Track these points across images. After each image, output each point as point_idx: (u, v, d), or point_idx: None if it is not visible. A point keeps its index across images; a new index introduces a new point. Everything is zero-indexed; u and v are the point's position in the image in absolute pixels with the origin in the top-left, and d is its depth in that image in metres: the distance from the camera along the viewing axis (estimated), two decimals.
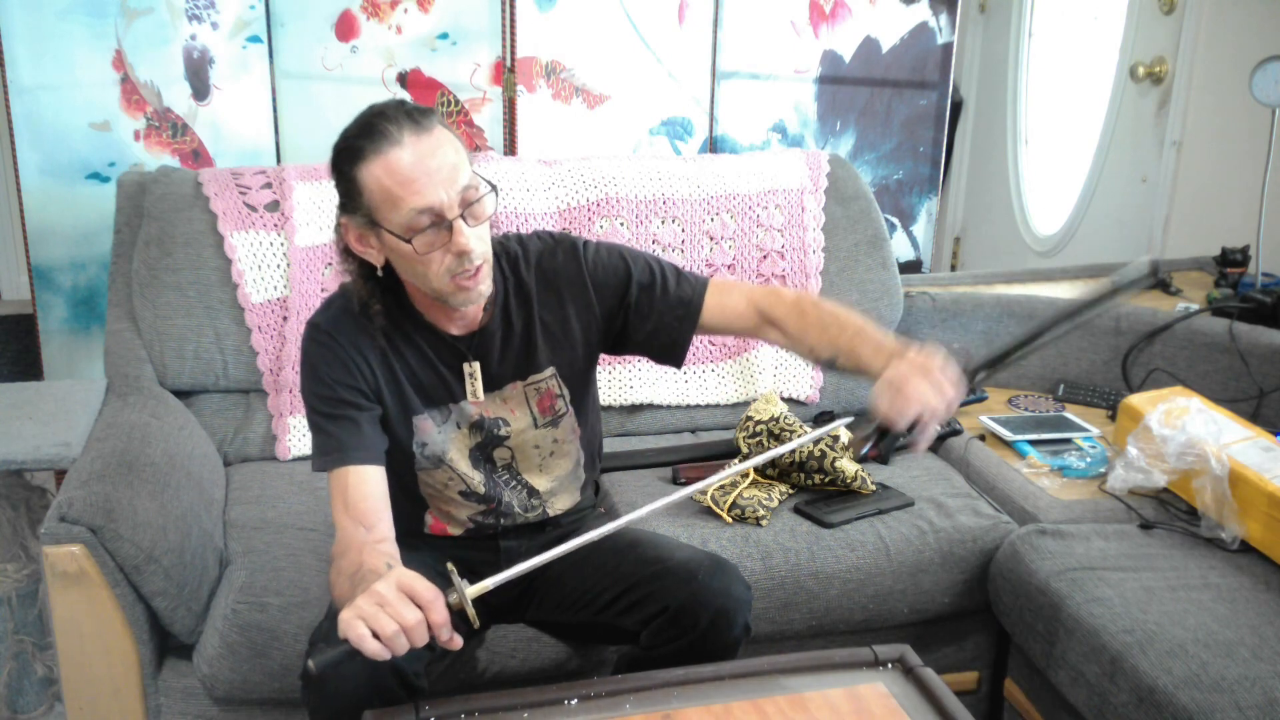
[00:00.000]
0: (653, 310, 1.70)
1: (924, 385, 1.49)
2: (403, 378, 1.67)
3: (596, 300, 1.71)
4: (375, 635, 1.30)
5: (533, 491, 1.80)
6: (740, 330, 1.75)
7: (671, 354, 1.75)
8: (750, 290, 1.73)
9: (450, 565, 1.40)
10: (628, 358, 2.44)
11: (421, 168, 1.48)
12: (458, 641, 1.36)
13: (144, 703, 1.87)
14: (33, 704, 2.24)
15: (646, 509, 1.45)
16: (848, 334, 1.63)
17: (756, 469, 2.23)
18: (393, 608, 1.31)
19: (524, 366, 1.72)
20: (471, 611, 1.35)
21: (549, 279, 1.71)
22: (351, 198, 1.53)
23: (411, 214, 1.48)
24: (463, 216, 1.50)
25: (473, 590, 1.36)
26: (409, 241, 1.50)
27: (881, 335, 1.62)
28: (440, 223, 1.50)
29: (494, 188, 1.55)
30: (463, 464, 1.74)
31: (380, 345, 1.65)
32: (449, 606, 1.34)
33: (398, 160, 1.48)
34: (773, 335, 1.70)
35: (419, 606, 1.32)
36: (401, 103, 1.53)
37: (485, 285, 1.58)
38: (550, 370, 1.73)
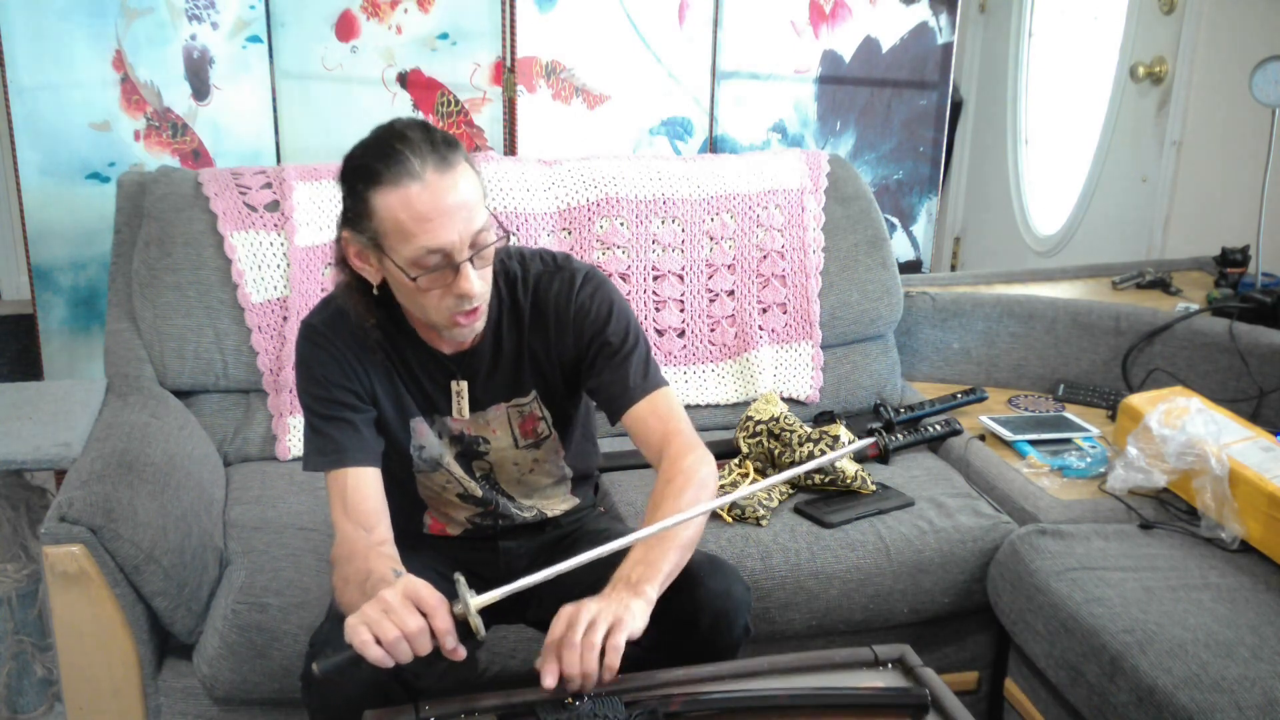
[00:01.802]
0: (600, 372, 1.67)
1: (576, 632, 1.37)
2: (399, 382, 1.67)
3: (572, 336, 1.69)
4: (379, 642, 1.29)
5: (510, 497, 1.80)
6: (641, 448, 1.67)
7: (607, 414, 1.71)
8: (675, 431, 1.64)
9: (458, 575, 1.39)
10: None
11: (439, 208, 1.45)
12: (462, 652, 1.35)
13: (144, 703, 1.87)
14: (33, 704, 2.24)
15: (670, 521, 1.44)
16: (654, 518, 1.53)
17: (757, 469, 2.23)
18: (396, 614, 1.30)
19: (509, 389, 1.71)
20: (476, 621, 1.34)
21: (540, 304, 1.69)
22: (360, 216, 1.50)
23: (421, 252, 1.46)
24: (470, 259, 1.49)
25: (478, 601, 1.35)
26: (413, 279, 1.48)
27: (651, 559, 1.48)
28: (448, 263, 1.48)
29: (508, 234, 1.54)
30: (457, 469, 1.74)
31: (375, 350, 1.64)
32: (454, 616, 1.34)
33: (416, 196, 1.44)
34: (652, 459, 1.65)
35: (423, 614, 1.32)
36: (426, 128, 1.49)
37: (480, 323, 1.58)
38: (533, 394, 1.72)
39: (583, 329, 1.68)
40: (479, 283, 1.51)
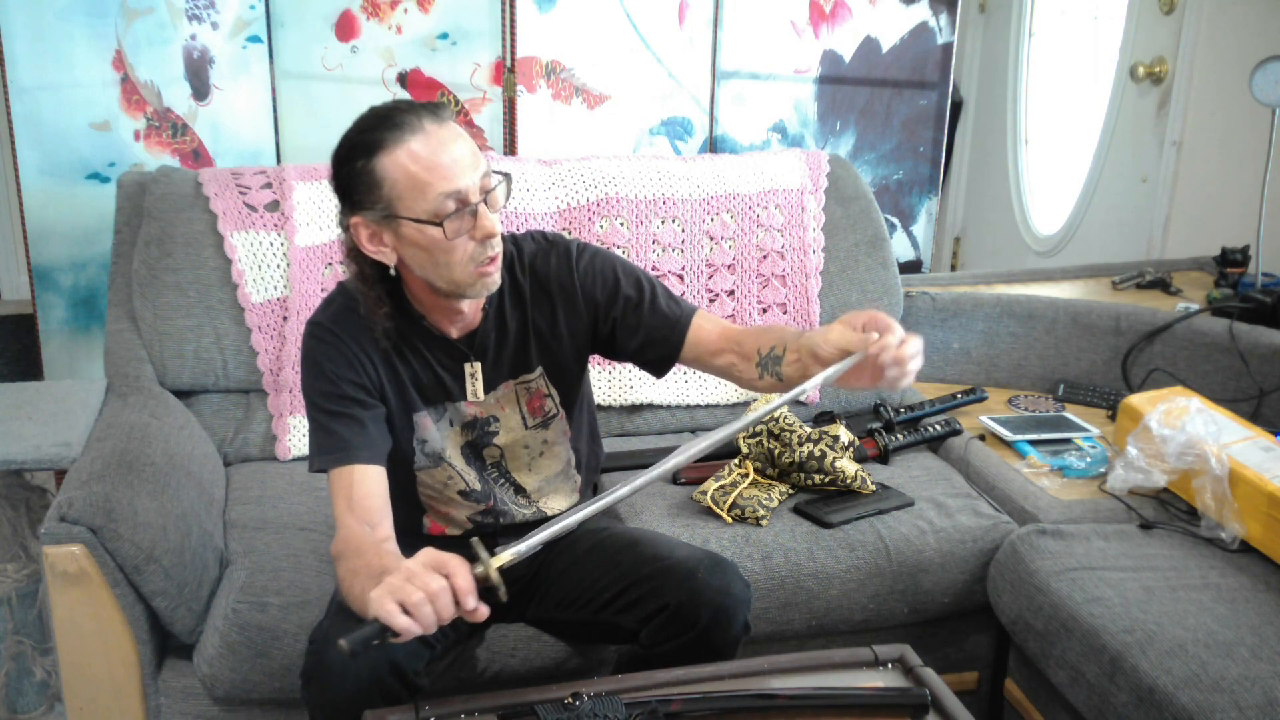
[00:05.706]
0: (640, 325, 1.70)
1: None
2: (404, 375, 1.68)
3: (584, 307, 1.71)
4: (405, 612, 1.30)
5: (520, 489, 1.80)
6: (711, 355, 1.70)
7: (660, 367, 1.75)
8: (722, 322, 1.73)
9: (474, 539, 1.40)
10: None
11: (447, 153, 1.50)
12: (484, 611, 1.36)
13: (144, 703, 1.87)
14: (32, 704, 2.24)
15: (656, 470, 1.46)
16: (789, 330, 1.62)
17: (757, 469, 2.23)
18: (419, 578, 1.31)
19: (516, 366, 1.73)
20: (496, 577, 1.35)
21: (541, 281, 1.72)
22: (368, 191, 1.52)
23: (439, 199, 1.49)
24: (484, 201, 1.53)
25: (497, 561, 1.37)
26: (440, 225, 1.50)
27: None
28: (465, 208, 1.51)
29: (507, 176, 1.57)
30: (459, 462, 1.74)
31: (382, 345, 1.65)
32: (475, 577, 1.35)
33: (423, 146, 1.49)
34: (726, 359, 1.68)
35: (444, 576, 1.33)
36: (409, 100, 1.54)
37: (499, 274, 1.60)
38: (539, 370, 1.74)
39: (595, 297, 1.71)
40: (497, 224, 1.54)
